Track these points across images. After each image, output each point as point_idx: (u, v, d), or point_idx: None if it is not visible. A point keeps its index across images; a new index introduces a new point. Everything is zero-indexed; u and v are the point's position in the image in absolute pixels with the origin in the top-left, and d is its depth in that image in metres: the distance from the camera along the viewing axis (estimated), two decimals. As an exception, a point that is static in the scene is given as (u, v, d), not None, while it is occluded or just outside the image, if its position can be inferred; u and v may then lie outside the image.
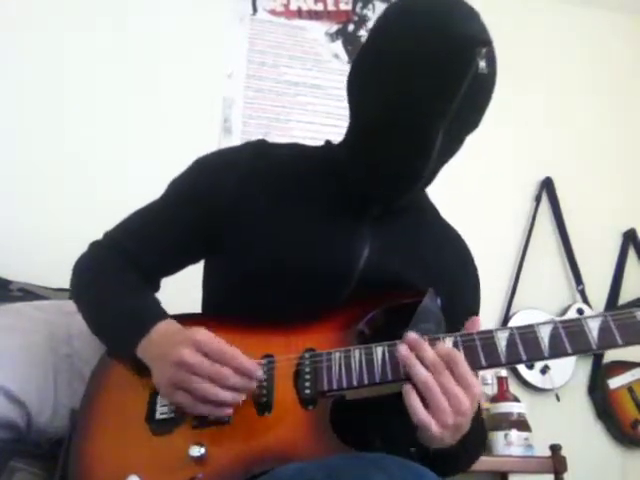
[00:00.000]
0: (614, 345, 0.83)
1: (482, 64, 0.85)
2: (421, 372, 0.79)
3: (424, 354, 0.80)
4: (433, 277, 0.98)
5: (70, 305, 1.06)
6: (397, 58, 0.89)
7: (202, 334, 0.84)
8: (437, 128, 0.89)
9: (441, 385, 0.79)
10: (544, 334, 0.84)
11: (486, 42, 0.85)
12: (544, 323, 0.85)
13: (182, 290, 1.12)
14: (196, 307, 1.06)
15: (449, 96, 0.86)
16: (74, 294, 1.05)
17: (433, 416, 0.78)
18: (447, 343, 0.84)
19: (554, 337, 0.84)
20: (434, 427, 0.78)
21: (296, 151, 1.10)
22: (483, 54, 0.85)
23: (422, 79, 0.87)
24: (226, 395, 0.81)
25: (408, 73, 0.88)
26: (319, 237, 0.98)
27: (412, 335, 0.82)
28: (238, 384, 0.82)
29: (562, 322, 0.85)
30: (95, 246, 1.08)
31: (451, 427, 0.79)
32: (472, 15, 0.90)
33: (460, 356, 0.81)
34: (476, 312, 1.10)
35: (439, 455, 0.83)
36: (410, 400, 0.79)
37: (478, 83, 0.87)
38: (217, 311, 1.03)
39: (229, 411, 0.82)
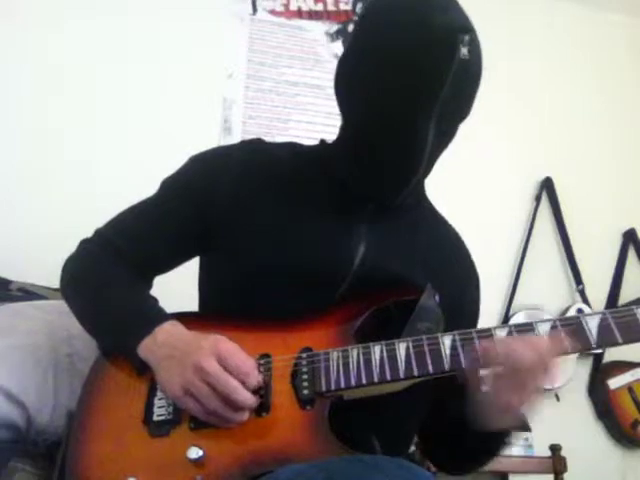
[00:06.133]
0: (614, 343, 0.83)
1: (464, 51, 0.85)
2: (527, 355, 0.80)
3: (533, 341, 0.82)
4: (432, 275, 0.97)
5: (70, 305, 1.05)
6: (379, 56, 0.88)
7: (225, 344, 0.84)
8: (427, 122, 0.88)
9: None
10: (543, 332, 0.84)
11: (466, 29, 0.86)
12: (543, 321, 0.85)
13: (178, 288, 1.12)
14: (192, 305, 1.06)
15: (436, 88, 0.86)
16: (65, 293, 1.02)
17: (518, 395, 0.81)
18: (445, 341, 0.84)
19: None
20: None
21: (292, 150, 1.09)
22: (466, 41, 0.85)
23: (406, 75, 0.86)
24: (235, 416, 0.81)
25: (392, 70, 0.87)
26: (314, 236, 0.97)
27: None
28: (248, 403, 0.81)
29: (561, 320, 0.85)
30: (86, 244, 1.05)
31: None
32: (451, 4, 0.90)
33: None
34: (477, 310, 1.10)
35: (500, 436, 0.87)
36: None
37: (462, 70, 0.87)
38: (214, 309, 1.02)
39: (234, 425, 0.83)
